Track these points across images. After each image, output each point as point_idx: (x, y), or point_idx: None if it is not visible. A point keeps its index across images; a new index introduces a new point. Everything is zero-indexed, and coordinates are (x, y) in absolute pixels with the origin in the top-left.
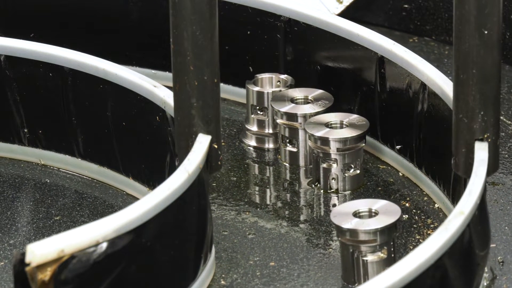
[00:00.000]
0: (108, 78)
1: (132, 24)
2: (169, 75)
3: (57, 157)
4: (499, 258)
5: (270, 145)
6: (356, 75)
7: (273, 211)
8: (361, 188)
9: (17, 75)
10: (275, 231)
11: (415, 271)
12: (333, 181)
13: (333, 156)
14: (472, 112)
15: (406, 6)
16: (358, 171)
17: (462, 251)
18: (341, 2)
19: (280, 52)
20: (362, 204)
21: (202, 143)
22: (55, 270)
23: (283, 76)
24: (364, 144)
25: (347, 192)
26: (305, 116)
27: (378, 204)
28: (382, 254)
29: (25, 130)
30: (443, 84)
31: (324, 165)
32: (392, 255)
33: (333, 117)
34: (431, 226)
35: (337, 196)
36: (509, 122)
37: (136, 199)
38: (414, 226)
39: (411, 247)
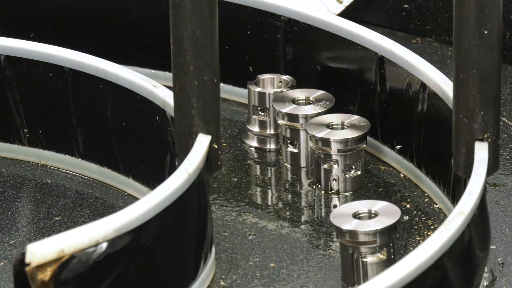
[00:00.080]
0: (108, 78)
1: (132, 24)
2: (169, 75)
3: (57, 157)
4: (499, 259)
5: (271, 145)
6: (356, 75)
7: (274, 212)
8: (362, 189)
9: (17, 75)
10: (275, 232)
11: (415, 271)
12: (334, 182)
13: (334, 157)
14: (472, 112)
15: (406, 6)
16: (359, 172)
17: (462, 251)
18: (341, 2)
19: (280, 52)
20: (362, 205)
21: (202, 143)
22: (55, 270)
23: (285, 77)
24: (365, 145)
25: (348, 193)
26: (306, 117)
27: (378, 205)
28: (381, 256)
29: (25, 130)
30: (443, 84)
31: (325, 166)
32: (392, 257)
33: (334, 118)
34: (432, 227)
35: (338, 197)
36: (511, 123)
37: (136, 199)
38: (415, 227)
39: (411, 249)
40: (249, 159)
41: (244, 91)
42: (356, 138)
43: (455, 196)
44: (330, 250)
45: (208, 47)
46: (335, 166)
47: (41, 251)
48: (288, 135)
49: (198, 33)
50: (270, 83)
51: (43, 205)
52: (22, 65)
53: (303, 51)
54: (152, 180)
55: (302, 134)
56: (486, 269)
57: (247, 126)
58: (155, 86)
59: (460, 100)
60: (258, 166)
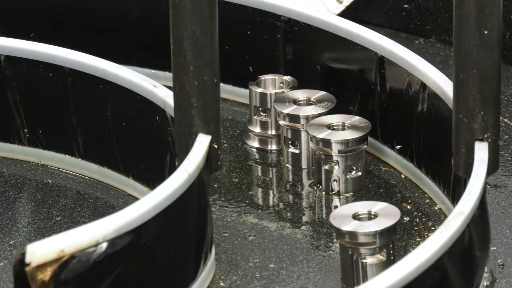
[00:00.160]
0: (108, 78)
1: (132, 24)
2: (169, 75)
3: (57, 157)
4: (499, 261)
5: (273, 146)
6: (356, 75)
7: (274, 212)
8: (363, 190)
9: (17, 75)
10: (275, 233)
11: (415, 271)
12: (335, 183)
13: (335, 158)
14: (472, 112)
15: (406, 6)
16: (360, 173)
17: (462, 251)
18: (341, 2)
19: (280, 52)
20: (362, 206)
21: (202, 143)
22: (55, 270)
23: (286, 78)
24: (366, 146)
25: (349, 194)
26: (307, 118)
27: (378, 206)
28: (381, 257)
29: (25, 130)
30: (443, 84)
31: (326, 167)
32: (392, 258)
33: (335, 119)
34: (432, 228)
35: (339, 198)
36: None
37: (136, 199)
38: (415, 228)
39: (412, 250)
40: (250, 160)
41: (244, 91)
42: (357, 139)
43: (455, 196)
44: (330, 251)
45: (208, 47)
46: (336, 167)
47: (41, 251)
48: (289, 136)
49: (198, 33)
50: (272, 83)
51: (44, 205)
52: (22, 65)
53: (303, 51)
54: (152, 180)
55: (303, 135)
56: (486, 270)
57: (249, 127)
58: (155, 86)
59: (460, 100)
60: (259, 167)
